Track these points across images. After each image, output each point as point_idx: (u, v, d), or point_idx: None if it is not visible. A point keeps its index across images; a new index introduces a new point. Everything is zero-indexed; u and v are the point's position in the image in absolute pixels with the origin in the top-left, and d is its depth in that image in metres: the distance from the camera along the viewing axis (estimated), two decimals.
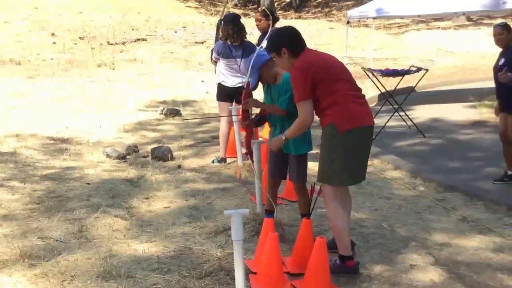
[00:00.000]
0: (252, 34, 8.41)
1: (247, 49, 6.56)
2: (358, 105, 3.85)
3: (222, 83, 6.65)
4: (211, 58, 6.87)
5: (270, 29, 6.87)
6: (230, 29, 6.45)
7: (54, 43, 17.50)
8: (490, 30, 21.49)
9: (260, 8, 7.41)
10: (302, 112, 3.82)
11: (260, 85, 4.63)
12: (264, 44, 6.73)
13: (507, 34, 6.14)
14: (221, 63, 6.62)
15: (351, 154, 3.80)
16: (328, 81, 3.79)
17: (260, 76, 4.49)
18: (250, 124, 4.64)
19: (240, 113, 4.76)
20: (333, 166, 3.79)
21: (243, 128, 4.60)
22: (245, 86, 4.65)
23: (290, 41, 3.92)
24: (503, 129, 6.26)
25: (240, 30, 6.51)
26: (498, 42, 6.19)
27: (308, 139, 4.44)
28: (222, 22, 6.66)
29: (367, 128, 3.87)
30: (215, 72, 6.84)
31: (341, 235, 3.89)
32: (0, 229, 4.67)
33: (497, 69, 6.11)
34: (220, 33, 6.66)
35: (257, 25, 6.93)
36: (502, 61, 6.11)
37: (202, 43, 18.68)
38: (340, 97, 3.79)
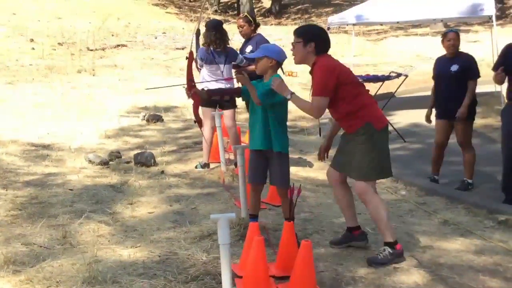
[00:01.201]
0: (233, 40, 8.44)
1: (230, 55, 6.60)
2: (377, 106, 4.26)
3: (205, 89, 6.66)
4: (196, 66, 6.80)
5: (253, 35, 6.95)
6: (213, 35, 6.48)
7: (33, 49, 17.34)
8: (468, 36, 21.70)
9: (242, 15, 7.44)
10: (316, 104, 4.06)
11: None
12: (248, 49, 6.82)
13: (459, 42, 6.40)
14: (204, 69, 6.64)
15: (386, 149, 4.20)
16: (351, 84, 4.11)
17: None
18: (196, 94, 4.65)
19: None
20: (374, 163, 4.11)
21: (189, 97, 4.64)
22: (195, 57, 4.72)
23: (321, 40, 4.18)
24: (444, 137, 6.44)
25: (223, 36, 6.54)
26: (452, 47, 6.35)
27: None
28: (205, 28, 6.67)
29: (388, 127, 4.27)
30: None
31: (387, 223, 4.19)
32: None
33: (449, 75, 6.26)
34: (203, 39, 6.68)
35: (240, 31, 6.98)
36: (455, 67, 6.26)
37: (183, 49, 18.66)
38: (367, 99, 4.17)
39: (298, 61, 4.27)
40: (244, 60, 6.65)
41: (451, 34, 6.42)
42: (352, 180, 4.29)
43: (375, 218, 4.21)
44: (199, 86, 6.68)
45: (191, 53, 4.77)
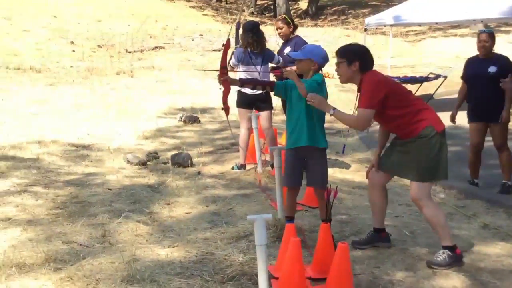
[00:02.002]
0: (269, 42, 8.43)
1: (267, 56, 6.62)
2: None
3: (242, 90, 6.68)
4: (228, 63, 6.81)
5: (291, 36, 6.93)
6: (250, 37, 6.50)
7: (73, 51, 17.69)
8: (508, 37, 21.25)
9: (280, 16, 7.43)
10: (363, 118, 4.11)
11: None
12: (286, 51, 6.81)
13: (491, 43, 6.18)
14: (241, 72, 6.64)
15: (445, 151, 4.18)
16: (400, 94, 4.17)
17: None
18: (227, 81, 4.66)
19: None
20: (435, 164, 4.13)
21: (220, 83, 4.66)
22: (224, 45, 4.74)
23: (365, 57, 4.23)
24: (480, 139, 6.30)
25: (260, 38, 6.55)
26: (482, 48, 6.19)
27: None
28: (242, 30, 6.69)
29: (445, 130, 4.24)
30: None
31: (445, 227, 4.17)
32: (25, 233, 4.74)
33: (486, 76, 6.11)
34: (240, 40, 6.71)
35: (279, 33, 6.96)
36: (493, 68, 6.10)
37: (219, 50, 18.78)
38: (422, 105, 4.21)
39: (344, 81, 4.33)
40: (281, 60, 6.66)
41: (483, 35, 6.24)
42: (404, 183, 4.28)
43: (433, 222, 4.16)
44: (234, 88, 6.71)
45: (228, 40, 4.78)
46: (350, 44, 4.46)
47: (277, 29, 7.01)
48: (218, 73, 4.65)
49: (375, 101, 4.06)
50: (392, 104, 4.10)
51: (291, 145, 4.51)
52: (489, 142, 6.49)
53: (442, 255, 4.11)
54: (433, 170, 4.13)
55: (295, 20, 27.69)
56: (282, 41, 7.09)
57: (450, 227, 4.25)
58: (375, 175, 4.44)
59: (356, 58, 4.18)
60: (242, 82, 5.11)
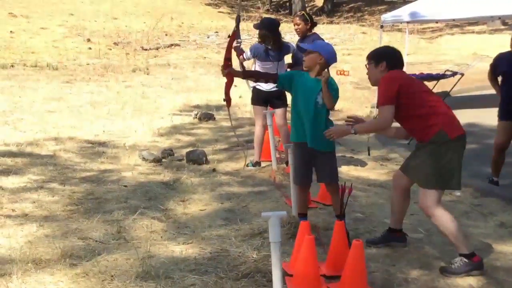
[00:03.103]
0: (284, 39, 8.42)
1: (284, 51, 6.62)
2: (453, 114, 4.11)
3: (258, 87, 6.66)
4: (237, 56, 6.65)
5: (308, 33, 6.89)
6: (269, 35, 6.46)
7: (90, 48, 17.83)
8: None
9: (299, 12, 7.39)
10: (383, 115, 4.02)
11: None
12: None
13: None
14: (257, 66, 6.63)
15: (458, 159, 4.02)
16: (415, 91, 4.05)
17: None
18: (231, 73, 4.64)
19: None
20: (445, 172, 3.98)
21: (224, 76, 4.67)
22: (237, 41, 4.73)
23: (393, 59, 4.19)
24: (507, 138, 6.20)
25: (279, 38, 6.54)
26: None
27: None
28: (261, 25, 6.59)
29: (465, 136, 4.10)
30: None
31: (458, 236, 4.01)
32: (41, 229, 4.79)
33: None
34: (258, 37, 6.67)
35: (296, 29, 6.93)
36: None
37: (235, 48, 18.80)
38: (439, 108, 4.06)
39: (373, 83, 4.28)
40: (296, 49, 6.65)
41: None
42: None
43: (444, 232, 4.05)
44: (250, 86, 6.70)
45: (234, 32, 4.79)
46: (379, 47, 4.42)
47: (294, 25, 6.98)
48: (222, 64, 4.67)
49: (389, 96, 4.00)
50: (405, 101, 4.01)
51: (297, 138, 4.51)
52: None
53: (457, 262, 3.98)
54: (441, 178, 3.99)
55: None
56: (298, 38, 7.04)
57: (464, 233, 4.13)
58: (398, 177, 4.39)
59: (382, 59, 4.16)
60: (244, 74, 5.07)
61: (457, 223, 4.06)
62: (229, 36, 4.88)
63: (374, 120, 4.20)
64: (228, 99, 4.92)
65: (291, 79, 4.53)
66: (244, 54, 6.62)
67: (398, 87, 4.00)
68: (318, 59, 4.42)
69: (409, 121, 4.12)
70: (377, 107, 4.11)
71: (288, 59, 6.92)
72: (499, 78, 6.49)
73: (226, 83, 4.80)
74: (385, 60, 4.16)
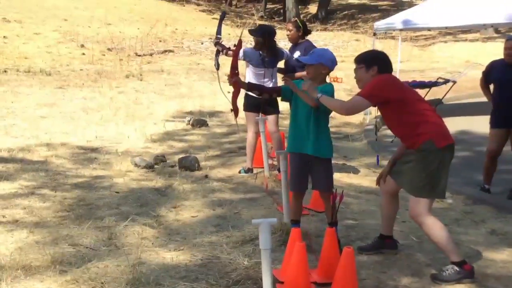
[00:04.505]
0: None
1: (278, 57, 6.66)
2: (443, 123, 4.13)
3: (250, 93, 6.67)
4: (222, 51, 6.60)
5: (300, 40, 6.90)
6: (264, 42, 6.48)
7: (83, 54, 17.79)
8: None
9: (293, 19, 7.41)
10: (354, 103, 4.06)
11: None
12: (296, 55, 6.78)
13: None
14: (250, 72, 6.63)
15: (445, 168, 4.04)
16: (407, 101, 4.05)
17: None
18: (237, 82, 4.64)
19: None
20: (430, 180, 3.99)
21: (230, 84, 4.66)
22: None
23: (383, 63, 4.20)
24: (499, 146, 6.25)
25: (274, 45, 6.57)
26: (508, 56, 6.12)
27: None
28: (257, 32, 6.60)
29: (453, 145, 4.11)
30: (215, 65, 6.69)
31: (447, 244, 4.01)
32: (31, 236, 4.76)
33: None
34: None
35: (287, 35, 6.96)
36: None
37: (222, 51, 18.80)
38: (430, 117, 4.07)
39: (362, 86, 4.24)
40: (290, 55, 6.70)
41: (509, 42, 6.15)
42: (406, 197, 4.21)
43: (433, 240, 4.06)
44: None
45: (239, 41, 4.78)
46: (368, 51, 4.44)
47: (286, 31, 7.02)
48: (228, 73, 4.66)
49: (374, 95, 4.00)
50: (396, 108, 4.04)
51: (295, 149, 4.51)
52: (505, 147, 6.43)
53: (448, 270, 3.98)
54: (428, 186, 3.99)
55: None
56: (291, 44, 7.05)
57: (454, 241, 4.13)
58: (387, 184, 4.38)
59: (374, 63, 4.16)
60: (250, 87, 5.10)
61: (447, 232, 4.07)
62: (234, 46, 4.88)
63: (339, 101, 4.18)
64: (235, 109, 4.91)
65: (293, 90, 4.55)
66: (240, 55, 6.61)
67: (388, 93, 4.01)
68: (322, 70, 4.44)
69: (400, 127, 4.13)
70: (357, 94, 4.08)
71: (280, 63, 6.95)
72: (491, 86, 6.53)
73: (233, 92, 4.78)
74: (377, 64, 4.16)
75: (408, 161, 4.13)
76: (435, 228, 4.01)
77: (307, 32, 6.93)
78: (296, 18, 7.31)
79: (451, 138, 4.09)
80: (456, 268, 3.97)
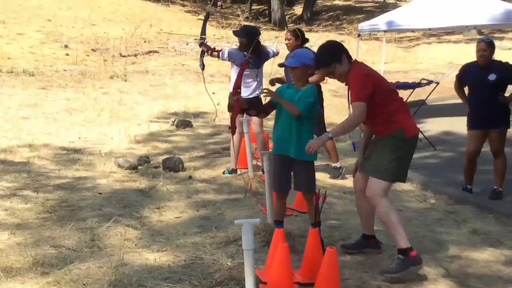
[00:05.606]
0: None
1: (264, 58, 6.69)
2: (411, 114, 4.33)
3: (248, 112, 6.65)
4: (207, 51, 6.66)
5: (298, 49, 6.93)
6: (249, 43, 6.47)
7: (67, 54, 17.66)
8: (502, 44, 21.35)
9: (291, 28, 7.50)
10: (358, 111, 4.07)
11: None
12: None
13: (490, 51, 6.16)
14: (234, 73, 6.63)
15: (408, 157, 4.22)
16: (386, 91, 4.18)
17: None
18: (239, 100, 4.66)
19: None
20: (391, 165, 4.12)
21: (230, 102, 4.72)
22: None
23: (342, 47, 4.28)
24: (478, 147, 6.31)
25: (258, 46, 6.57)
26: (481, 58, 6.19)
27: None
28: (241, 33, 6.62)
29: (417, 137, 4.32)
30: (200, 65, 6.78)
31: (397, 228, 4.09)
32: (13, 237, 4.72)
33: (486, 83, 6.11)
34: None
35: (286, 44, 7.02)
36: (492, 76, 6.10)
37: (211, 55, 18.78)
38: (401, 106, 4.23)
39: (344, 79, 4.26)
40: (277, 52, 6.81)
41: (481, 44, 6.22)
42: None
43: (384, 222, 4.17)
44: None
45: (246, 60, 4.85)
46: (327, 48, 4.34)
47: (285, 40, 7.08)
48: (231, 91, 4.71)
49: (365, 93, 4.06)
50: (375, 101, 4.10)
51: (277, 151, 4.53)
52: (484, 148, 6.48)
53: (395, 261, 4.04)
54: (393, 170, 4.12)
55: (289, 25, 27.54)
56: (289, 51, 7.10)
57: (404, 228, 4.15)
58: (359, 180, 4.44)
59: (340, 54, 4.20)
60: (249, 105, 4.98)
61: (399, 217, 4.19)
62: (241, 65, 4.93)
63: (347, 119, 4.22)
64: (233, 127, 4.94)
65: (279, 93, 4.57)
66: (221, 54, 6.62)
67: (372, 86, 4.08)
68: (306, 70, 4.49)
69: (374, 117, 4.18)
70: (351, 102, 4.12)
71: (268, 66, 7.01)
72: (466, 89, 6.59)
73: (233, 110, 4.82)
74: (343, 52, 4.21)
75: (375, 148, 4.25)
76: (389, 211, 4.11)
77: (305, 40, 6.98)
78: (296, 28, 7.36)
79: (417, 129, 4.27)
80: (401, 256, 4.02)
